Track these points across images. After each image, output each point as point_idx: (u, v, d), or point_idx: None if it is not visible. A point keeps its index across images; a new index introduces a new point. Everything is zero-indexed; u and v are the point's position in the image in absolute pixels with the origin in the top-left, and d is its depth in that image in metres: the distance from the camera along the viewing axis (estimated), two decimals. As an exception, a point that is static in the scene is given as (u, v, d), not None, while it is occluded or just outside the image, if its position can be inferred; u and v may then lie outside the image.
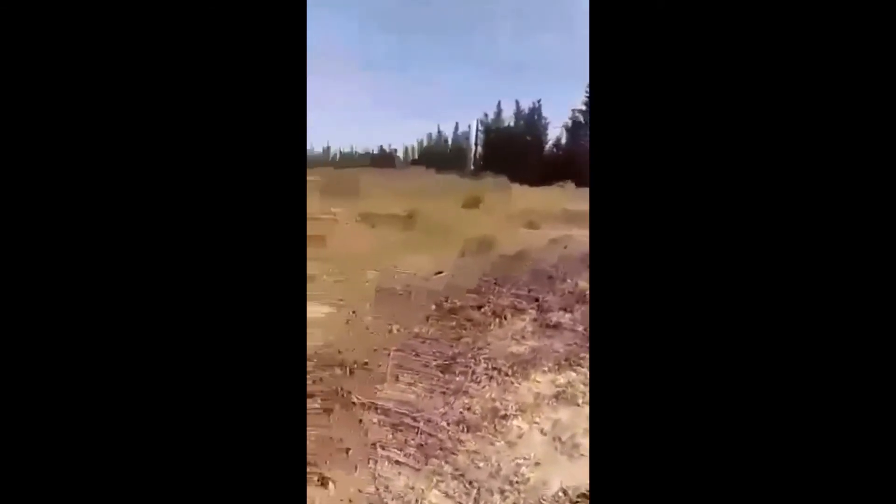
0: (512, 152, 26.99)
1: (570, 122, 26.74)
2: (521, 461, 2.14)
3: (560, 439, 2.34)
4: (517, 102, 29.39)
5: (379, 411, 2.42)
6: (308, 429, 2.21)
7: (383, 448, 2.14)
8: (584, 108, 25.90)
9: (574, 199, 13.07)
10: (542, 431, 2.42)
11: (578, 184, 16.20)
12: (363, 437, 2.21)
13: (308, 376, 2.73)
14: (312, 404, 2.45)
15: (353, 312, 3.91)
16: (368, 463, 2.04)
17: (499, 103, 30.71)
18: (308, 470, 1.96)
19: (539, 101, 28.76)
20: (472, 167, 30.89)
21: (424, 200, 12.84)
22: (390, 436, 2.24)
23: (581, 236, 6.85)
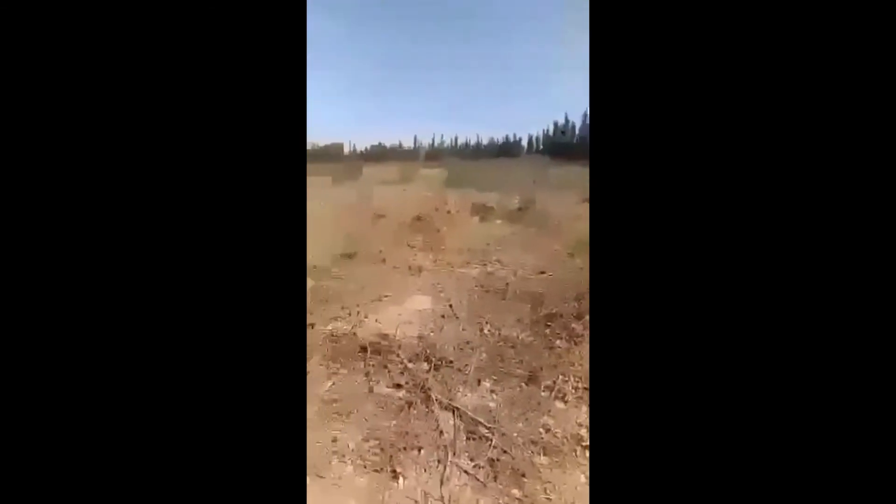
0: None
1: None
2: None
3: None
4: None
5: (456, 414, 2.42)
6: (389, 420, 2.36)
7: (455, 455, 2.14)
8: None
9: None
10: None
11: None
12: (437, 438, 2.24)
13: (396, 366, 2.89)
14: (396, 394, 2.59)
15: (450, 307, 3.99)
16: (439, 466, 2.07)
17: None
18: (381, 458, 2.09)
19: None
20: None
21: (541, 193, 12.35)
22: (463, 443, 2.23)
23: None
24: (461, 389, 2.66)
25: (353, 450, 2.14)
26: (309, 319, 3.53)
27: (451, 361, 2.95)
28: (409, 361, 2.95)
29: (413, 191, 14.55)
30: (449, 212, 9.65)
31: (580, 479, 2.04)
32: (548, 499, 1.91)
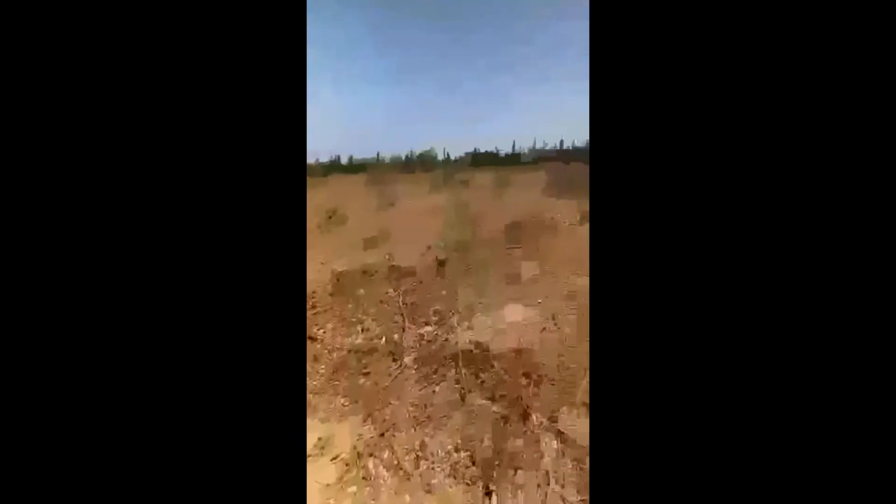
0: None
1: None
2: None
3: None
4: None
5: (560, 438, 2.27)
6: (484, 435, 2.30)
7: (557, 482, 1.99)
8: None
9: None
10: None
11: None
12: (537, 460, 2.12)
13: (491, 377, 2.83)
14: (492, 407, 2.53)
15: (553, 319, 3.81)
16: (538, 491, 1.95)
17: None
18: (474, 475, 2.04)
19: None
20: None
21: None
22: (567, 469, 2.07)
23: None
24: (565, 411, 2.49)
25: (442, 457, 2.13)
26: (401, 323, 3.67)
27: (554, 379, 2.79)
28: (507, 373, 2.87)
29: (513, 197, 14.46)
30: (552, 218, 9.35)
31: None
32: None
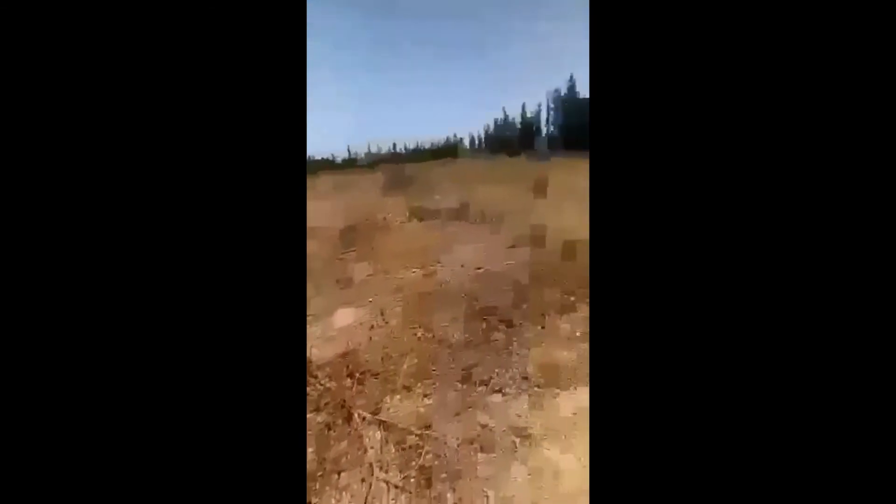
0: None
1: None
2: (542, 490, 1.92)
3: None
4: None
5: (382, 427, 2.34)
6: (308, 449, 2.22)
7: (381, 469, 2.05)
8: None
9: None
10: (578, 459, 2.14)
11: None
12: (360, 456, 2.15)
13: (315, 389, 2.75)
14: (316, 419, 2.46)
15: (382, 316, 3.90)
16: (362, 485, 1.97)
17: (571, 76, 29.15)
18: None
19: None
20: (547, 147, 29.80)
21: (485, 188, 12.61)
22: (391, 455, 2.15)
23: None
24: (388, 400, 2.59)
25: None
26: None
27: (377, 373, 2.87)
28: (330, 380, 2.83)
29: (346, 200, 14.29)
30: (384, 218, 9.56)
31: (520, 470, 2.04)
32: (486, 495, 1.88)
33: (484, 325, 3.37)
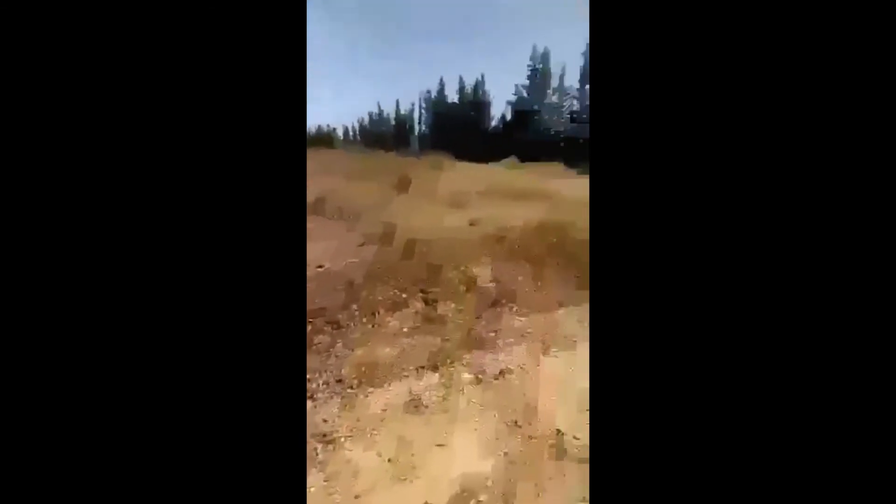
0: (456, 128, 26.84)
1: (514, 97, 26.92)
2: (336, 495, 1.90)
3: (398, 461, 2.12)
4: (461, 78, 29.24)
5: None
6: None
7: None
8: (527, 82, 26.25)
9: (518, 176, 13.04)
10: (378, 454, 2.18)
11: (523, 159, 16.24)
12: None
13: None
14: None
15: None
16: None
17: (441, 79, 30.35)
18: None
19: (482, 76, 28.82)
20: (419, 146, 30.50)
21: (350, 183, 12.28)
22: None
23: (500, 215, 6.70)
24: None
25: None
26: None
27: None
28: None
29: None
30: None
31: (317, 478, 1.99)
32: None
33: (309, 328, 3.24)
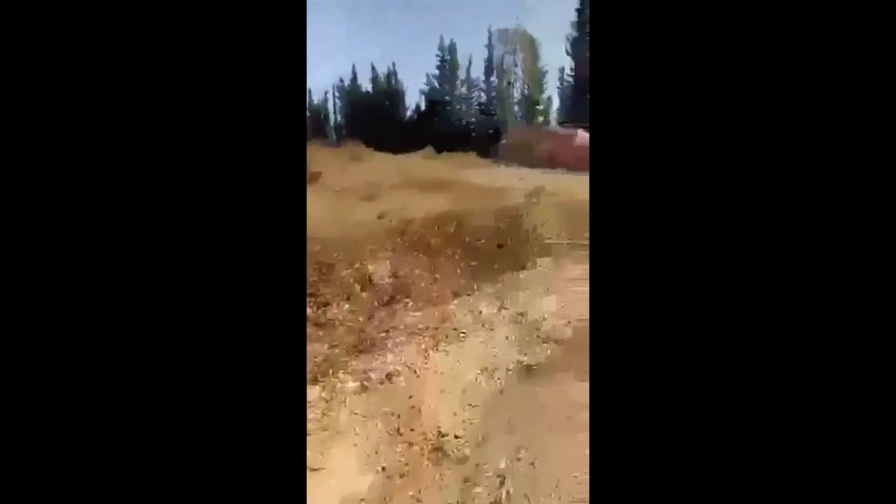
0: (372, 118, 26.13)
1: (426, 87, 26.73)
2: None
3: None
4: (373, 66, 28.31)
5: None
6: None
7: None
8: (437, 72, 26.21)
9: (433, 167, 12.94)
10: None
11: (439, 149, 16.19)
12: None
13: None
14: None
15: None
16: None
17: (353, 67, 29.22)
18: None
19: (394, 65, 28.19)
20: (335, 136, 29.29)
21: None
22: None
23: (408, 207, 6.54)
24: None
25: None
26: None
27: None
28: None
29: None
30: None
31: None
32: None
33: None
